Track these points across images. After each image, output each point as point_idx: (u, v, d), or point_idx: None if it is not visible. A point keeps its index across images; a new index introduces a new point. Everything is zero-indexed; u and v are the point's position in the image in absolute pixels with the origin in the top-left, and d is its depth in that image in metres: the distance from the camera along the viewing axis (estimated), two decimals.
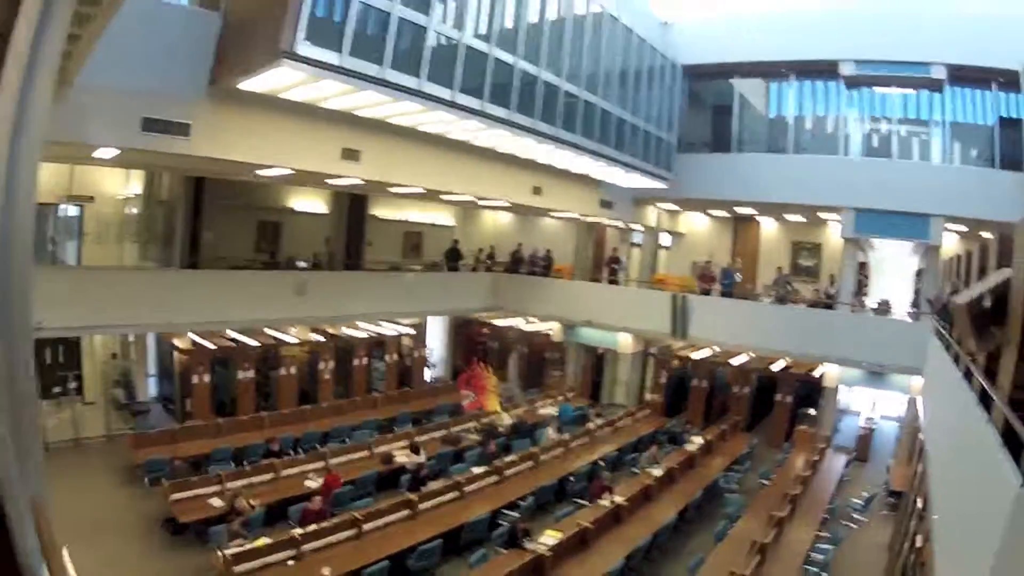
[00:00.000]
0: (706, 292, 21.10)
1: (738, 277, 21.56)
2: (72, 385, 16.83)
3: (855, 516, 15.33)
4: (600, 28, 16.45)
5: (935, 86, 19.06)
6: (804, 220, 23.49)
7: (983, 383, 5.10)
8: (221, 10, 11.87)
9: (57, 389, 16.53)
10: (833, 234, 22.68)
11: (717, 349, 21.72)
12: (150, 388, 19.11)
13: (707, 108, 23.51)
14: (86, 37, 8.03)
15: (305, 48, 9.89)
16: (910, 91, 19.89)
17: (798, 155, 20.84)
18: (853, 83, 20.14)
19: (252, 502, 12.29)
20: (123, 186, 19.38)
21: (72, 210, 18.56)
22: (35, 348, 2.30)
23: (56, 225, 18.46)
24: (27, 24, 2.08)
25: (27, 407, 2.24)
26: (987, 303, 5.81)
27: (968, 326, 5.94)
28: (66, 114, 9.93)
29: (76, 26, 7.38)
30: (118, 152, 12.43)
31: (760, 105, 23.01)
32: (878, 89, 20.29)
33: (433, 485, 13.78)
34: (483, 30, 13.10)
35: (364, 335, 22.11)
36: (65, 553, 2.76)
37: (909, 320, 19.14)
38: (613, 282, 23.40)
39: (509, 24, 13.80)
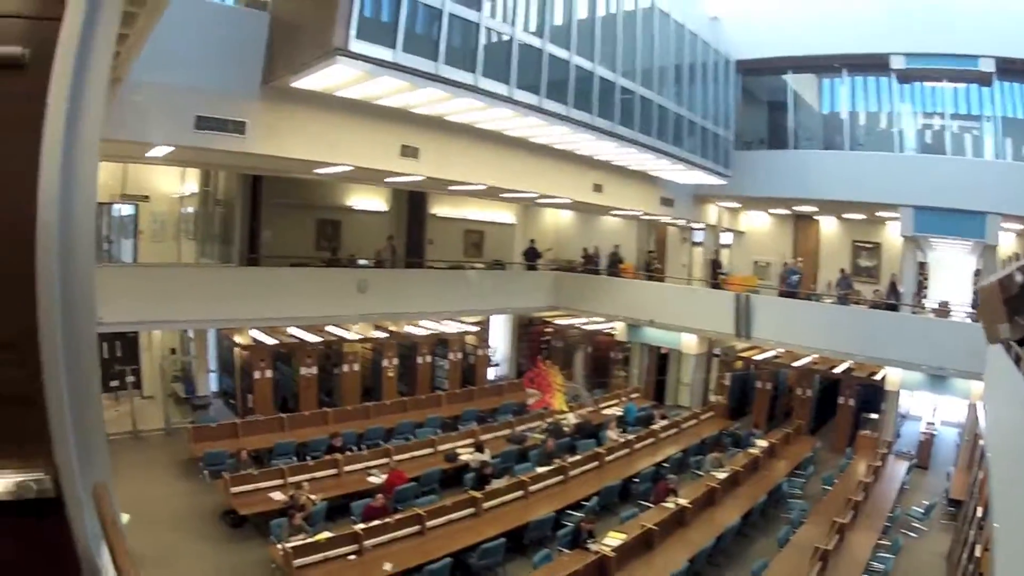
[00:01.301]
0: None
1: (795, 278, 21.26)
2: (130, 379, 17.20)
3: (915, 524, 15.02)
4: (651, 23, 16.28)
5: (984, 80, 18.58)
6: (864, 218, 23.02)
7: None
8: (269, 9, 12.04)
9: (115, 383, 16.90)
10: (892, 233, 22.15)
11: (780, 350, 21.41)
12: (211, 383, 19.44)
13: (762, 104, 23.20)
14: (133, 36, 8.12)
15: (358, 45, 9.88)
16: (960, 85, 19.43)
17: (854, 152, 20.48)
18: (905, 77, 19.70)
19: (313, 497, 12.33)
20: (178, 185, 19.70)
21: (127, 209, 18.86)
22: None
23: (111, 224, 18.76)
24: (77, 9, 2.06)
25: (90, 396, 2.25)
26: (1020, 279, 5.44)
27: (1000, 308, 5.51)
28: (117, 112, 10.06)
29: (123, 25, 7.43)
30: (171, 150, 12.52)
31: (813, 101, 22.73)
32: (929, 83, 19.82)
33: (497, 484, 13.72)
34: (535, 26, 13.03)
35: (427, 333, 22.14)
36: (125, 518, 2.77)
37: (969, 322, 18.62)
38: (715, 286, 22.70)
39: (561, 20, 13.72)
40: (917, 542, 14.41)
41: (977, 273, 20.71)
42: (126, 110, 10.22)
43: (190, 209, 20.38)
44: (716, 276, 23.17)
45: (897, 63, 19.14)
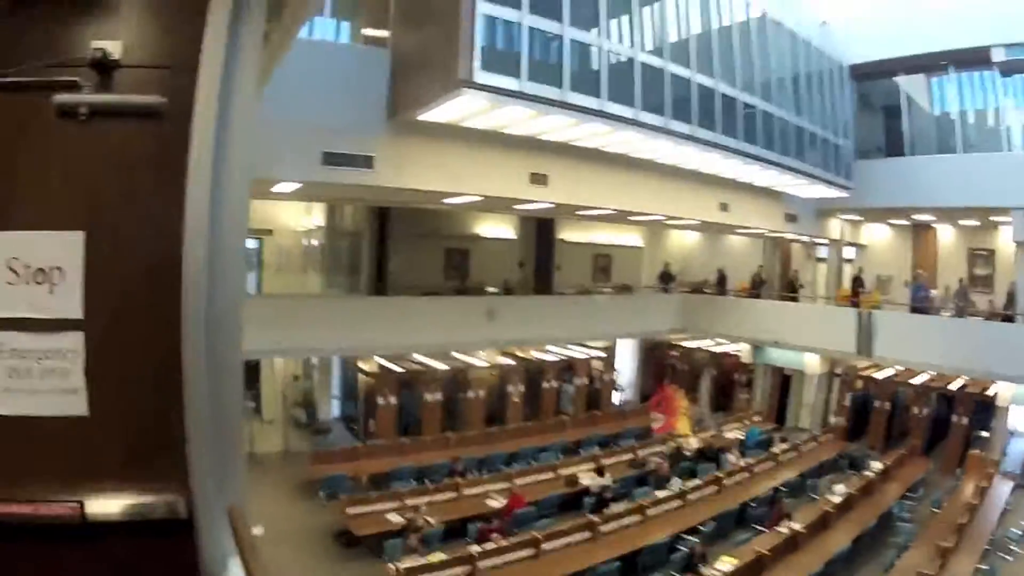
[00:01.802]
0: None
1: (932, 293, 20.70)
2: (250, 404, 17.85)
3: (1012, 548, 14.45)
4: (765, 34, 16.25)
5: None
6: (978, 224, 22.32)
7: None
8: (389, 47, 12.51)
9: None
10: (1005, 239, 21.32)
11: (899, 368, 20.88)
12: (333, 409, 20.01)
13: (876, 111, 22.66)
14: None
15: (483, 76, 10.19)
16: None
17: (965, 154, 19.94)
18: (1007, 70, 18.91)
19: (431, 519, 12.66)
20: (302, 219, 20.50)
21: (250, 243, 19.56)
22: None
23: None
24: (213, 56, 2.27)
25: (232, 423, 2.45)
26: None
27: None
28: None
29: None
30: (299, 186, 13.08)
31: (924, 103, 22.01)
32: None
33: (616, 507, 13.92)
34: (654, 45, 13.21)
35: (553, 358, 22.43)
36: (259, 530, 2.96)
37: None
38: (856, 305, 21.40)
39: (677, 37, 13.91)
40: (1012, 566, 13.87)
41: None
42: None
43: (315, 242, 21.13)
44: (857, 294, 22.13)
45: (998, 55, 18.45)
